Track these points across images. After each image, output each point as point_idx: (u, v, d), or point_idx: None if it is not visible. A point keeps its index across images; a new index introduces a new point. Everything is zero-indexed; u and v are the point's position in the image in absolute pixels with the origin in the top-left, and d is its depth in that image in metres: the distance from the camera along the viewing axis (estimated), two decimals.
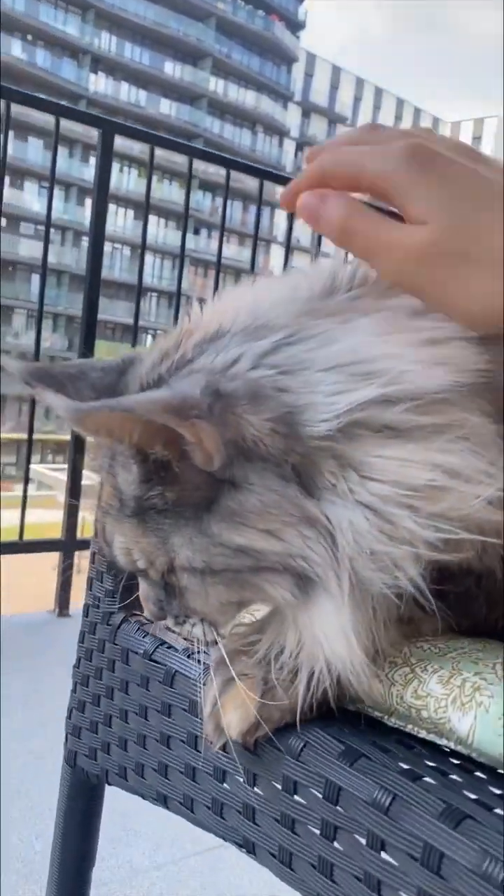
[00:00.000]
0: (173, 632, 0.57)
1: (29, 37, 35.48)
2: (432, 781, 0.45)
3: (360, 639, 0.47)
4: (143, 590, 0.56)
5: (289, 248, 3.46)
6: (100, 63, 37.67)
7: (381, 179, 0.46)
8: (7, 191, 2.50)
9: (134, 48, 38.72)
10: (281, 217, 38.15)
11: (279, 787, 0.52)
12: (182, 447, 0.46)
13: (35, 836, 1.44)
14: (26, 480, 2.59)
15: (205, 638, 0.54)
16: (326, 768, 0.49)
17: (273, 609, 0.54)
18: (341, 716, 0.53)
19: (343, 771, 0.48)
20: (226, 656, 0.53)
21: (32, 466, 2.64)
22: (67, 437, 2.78)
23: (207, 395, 0.46)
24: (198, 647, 0.56)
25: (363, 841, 0.46)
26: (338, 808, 0.48)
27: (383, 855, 0.44)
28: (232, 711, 0.51)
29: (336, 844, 0.48)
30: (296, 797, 0.51)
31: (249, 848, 0.55)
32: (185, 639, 0.62)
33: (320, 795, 0.49)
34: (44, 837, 1.43)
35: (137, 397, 0.47)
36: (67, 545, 2.58)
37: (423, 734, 0.50)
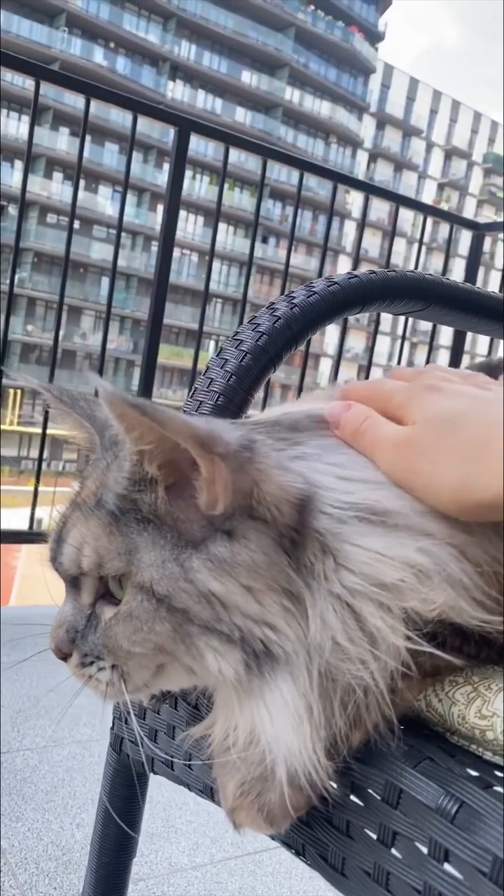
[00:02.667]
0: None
1: (111, 44, 36.26)
2: (503, 791, 0.41)
3: (318, 730, 0.45)
4: (61, 614, 0.52)
5: (357, 258, 3.42)
6: (178, 70, 38.25)
7: (401, 405, 0.53)
8: (81, 193, 2.52)
9: (212, 56, 39.20)
10: (350, 227, 38.07)
11: (334, 786, 0.49)
12: (191, 479, 0.46)
13: (76, 826, 1.43)
14: None
15: (107, 687, 0.50)
16: (387, 769, 0.46)
17: (219, 699, 0.50)
18: (404, 720, 0.49)
19: (405, 773, 0.44)
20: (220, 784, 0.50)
21: None
22: None
23: (240, 444, 0.47)
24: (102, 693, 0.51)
25: (425, 850, 0.42)
26: (398, 812, 0.44)
27: (446, 866, 0.41)
28: (246, 820, 0.48)
29: (394, 852, 0.44)
30: (352, 798, 0.47)
31: (299, 849, 0.52)
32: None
33: (379, 798, 0.45)
34: (84, 827, 1.43)
35: (175, 414, 0.46)
36: None
37: (488, 756, 0.46)
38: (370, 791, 0.46)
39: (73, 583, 0.51)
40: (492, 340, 3.31)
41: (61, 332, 2.83)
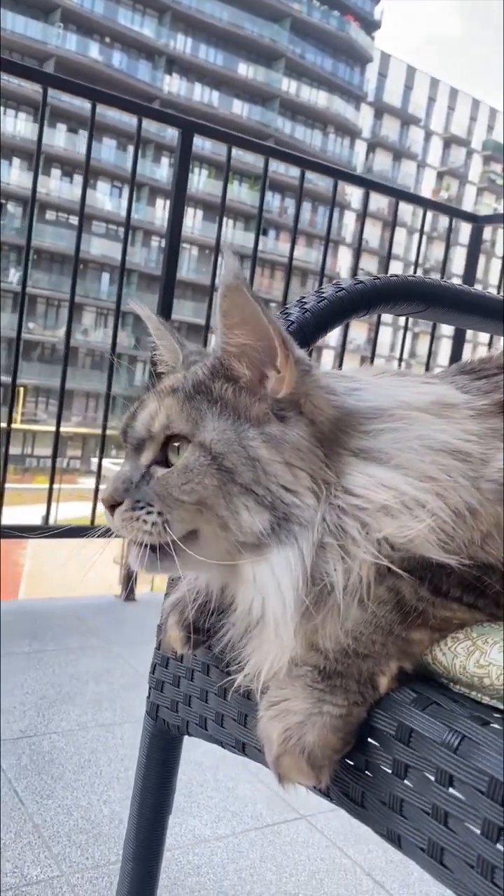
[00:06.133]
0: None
1: (107, 39, 36.19)
2: (499, 727, 0.49)
3: (299, 606, 0.55)
4: (119, 472, 0.63)
5: (360, 249, 3.48)
6: (174, 64, 38.17)
7: None
8: (80, 190, 2.59)
9: (208, 49, 39.09)
10: (350, 218, 37.96)
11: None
12: (265, 371, 0.60)
13: (103, 802, 1.51)
14: (98, 475, 2.71)
15: (151, 527, 0.59)
16: (399, 713, 0.53)
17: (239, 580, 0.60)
18: (414, 674, 0.57)
19: (415, 715, 0.52)
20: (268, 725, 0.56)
21: (96, 460, 2.76)
22: None
23: (304, 359, 0.61)
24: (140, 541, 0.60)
25: (432, 778, 0.50)
26: (409, 748, 0.52)
27: (451, 790, 0.48)
28: (290, 766, 0.54)
29: (406, 782, 0.52)
30: (369, 740, 0.55)
31: (324, 789, 0.60)
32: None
33: (393, 736, 0.53)
34: (111, 803, 1.51)
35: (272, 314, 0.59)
36: None
37: (485, 700, 0.54)
38: (384, 732, 0.54)
39: (137, 447, 0.62)
40: (492, 335, 3.37)
41: (62, 330, 2.90)
